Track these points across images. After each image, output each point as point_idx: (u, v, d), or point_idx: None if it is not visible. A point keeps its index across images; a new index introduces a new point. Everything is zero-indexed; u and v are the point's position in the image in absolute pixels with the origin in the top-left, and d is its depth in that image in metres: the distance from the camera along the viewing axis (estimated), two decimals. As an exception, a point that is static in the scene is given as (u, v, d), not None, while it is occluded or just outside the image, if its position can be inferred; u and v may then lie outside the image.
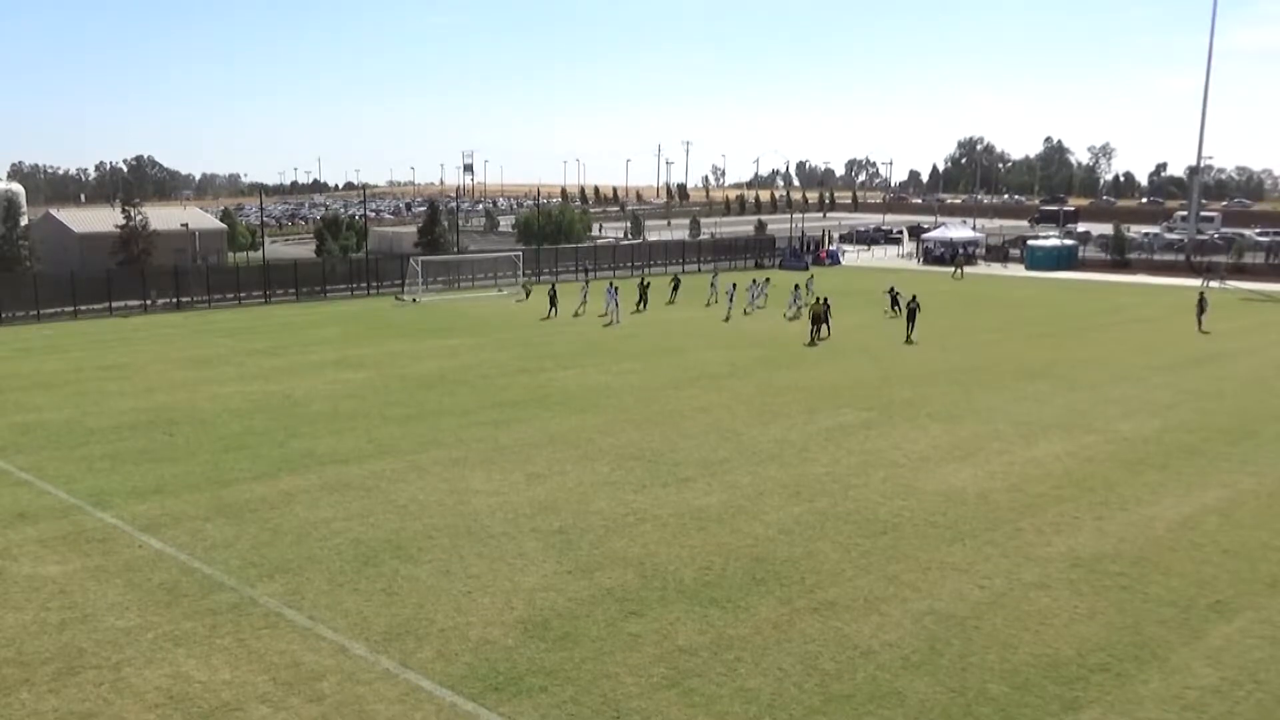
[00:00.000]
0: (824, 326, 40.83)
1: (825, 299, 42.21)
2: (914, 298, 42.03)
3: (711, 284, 55.75)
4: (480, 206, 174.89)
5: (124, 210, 68.71)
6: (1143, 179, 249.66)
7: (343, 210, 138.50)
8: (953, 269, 72.80)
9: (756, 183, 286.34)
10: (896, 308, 47.52)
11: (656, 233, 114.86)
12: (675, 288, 55.89)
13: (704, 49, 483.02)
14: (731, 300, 49.17)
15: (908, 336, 40.37)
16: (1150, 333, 43.89)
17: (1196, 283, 62.12)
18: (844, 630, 13.94)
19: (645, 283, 53.08)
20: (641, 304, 50.86)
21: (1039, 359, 36.14)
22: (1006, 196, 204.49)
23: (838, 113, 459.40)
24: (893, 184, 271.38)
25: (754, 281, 54.01)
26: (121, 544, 17.31)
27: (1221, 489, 20.59)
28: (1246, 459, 22.83)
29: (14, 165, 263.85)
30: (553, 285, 53.64)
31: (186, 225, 75.48)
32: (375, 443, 24.04)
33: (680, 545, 17.18)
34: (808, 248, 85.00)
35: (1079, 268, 77.93)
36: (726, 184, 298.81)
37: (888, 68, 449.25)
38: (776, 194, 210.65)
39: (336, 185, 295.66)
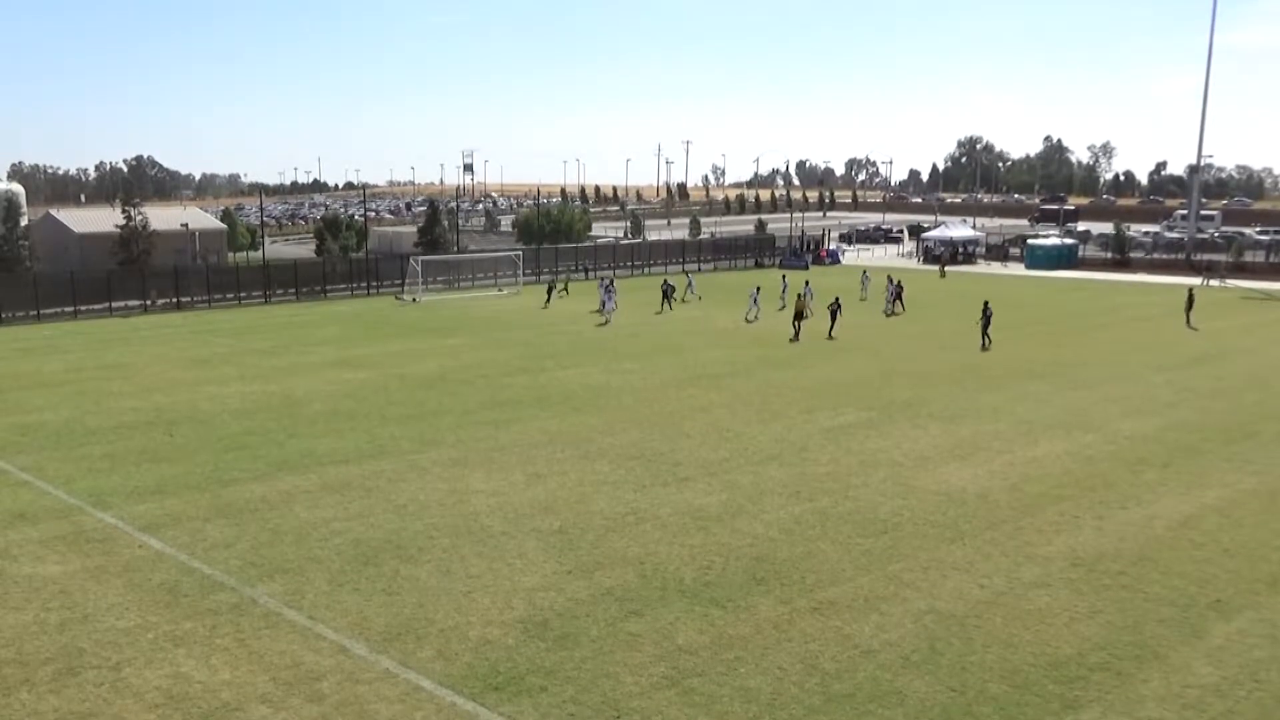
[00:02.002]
0: (832, 324, 41.50)
1: (838, 298, 42.66)
2: (986, 304, 39.82)
3: (688, 285, 55.88)
4: (480, 206, 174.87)
5: (124, 210, 68.74)
6: (1143, 178, 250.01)
7: (343, 210, 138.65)
8: (938, 267, 73.57)
9: (756, 182, 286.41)
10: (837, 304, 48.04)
11: (656, 232, 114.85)
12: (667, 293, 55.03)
13: (704, 49, 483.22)
14: (756, 303, 47.72)
15: (983, 344, 38.55)
16: (1150, 332, 43.91)
17: (1197, 281, 62.23)
18: (844, 629, 13.94)
19: (666, 284, 53.09)
20: (665, 304, 50.90)
21: (1039, 358, 36.13)
22: (1006, 195, 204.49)
23: (838, 112, 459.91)
24: (893, 183, 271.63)
25: (784, 277, 54.82)
26: (121, 544, 17.31)
27: (1222, 488, 20.59)
28: (1247, 458, 22.82)
29: (14, 165, 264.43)
30: (552, 281, 54.71)
31: (186, 225, 75.49)
32: (375, 443, 24.03)
33: (680, 545, 17.18)
34: (808, 247, 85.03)
35: (1079, 267, 77.94)
36: (726, 183, 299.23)
37: (888, 67, 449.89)
38: (776, 193, 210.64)
39: (336, 185, 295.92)
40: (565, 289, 59.05)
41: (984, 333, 38.96)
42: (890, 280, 51.55)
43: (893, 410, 27.50)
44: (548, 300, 54.38)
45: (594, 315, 48.33)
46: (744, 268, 78.26)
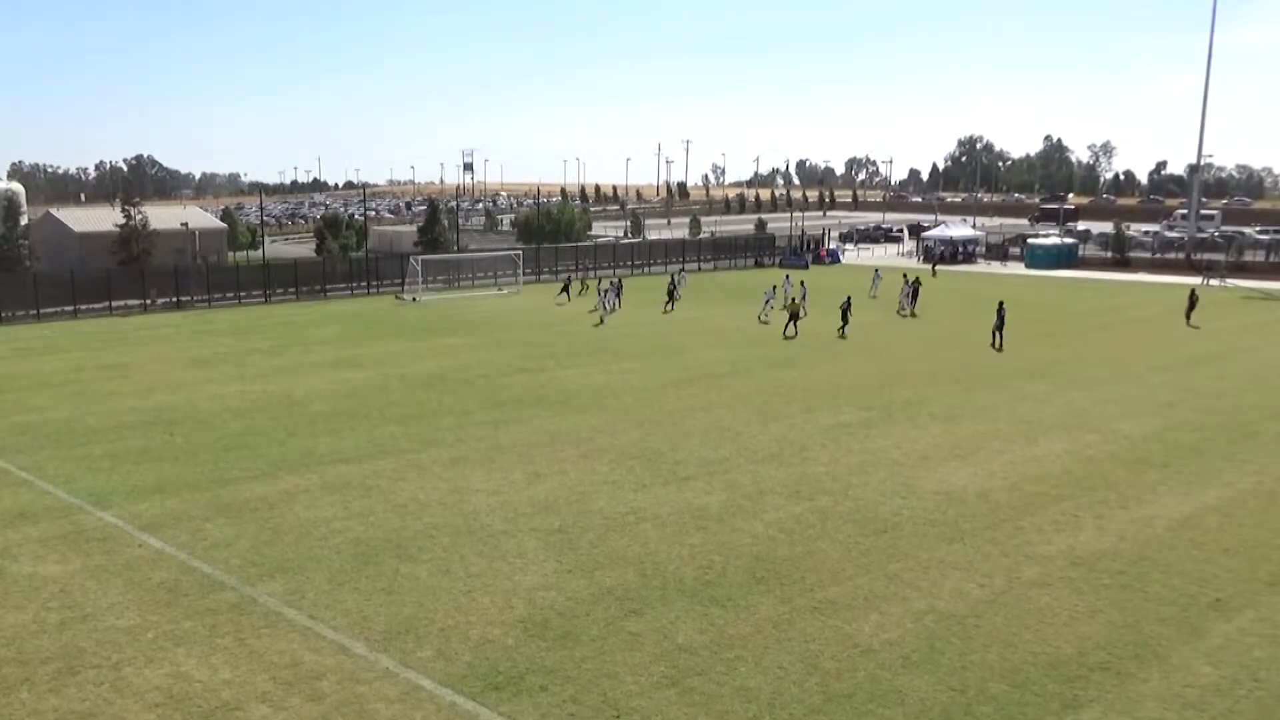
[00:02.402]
0: (842, 325, 41.82)
1: (849, 298, 43.13)
2: (1001, 304, 39.39)
3: (679, 281, 55.28)
4: (480, 205, 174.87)
5: (124, 210, 68.67)
6: (1143, 177, 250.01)
7: (343, 209, 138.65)
8: (930, 265, 73.62)
9: (756, 181, 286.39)
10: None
11: (656, 231, 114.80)
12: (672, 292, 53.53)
13: (704, 49, 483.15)
14: (769, 304, 47.61)
15: (995, 343, 38.29)
16: (1150, 331, 43.91)
17: (1197, 281, 62.26)
18: (844, 629, 13.94)
19: (673, 282, 53.29)
20: (669, 304, 51.01)
21: (1039, 358, 36.12)
22: (1007, 195, 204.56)
23: (838, 111, 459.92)
24: (893, 182, 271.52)
25: (787, 277, 54.33)
26: (122, 543, 17.31)
27: (1222, 488, 20.59)
28: (1247, 458, 22.82)
29: (14, 165, 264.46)
30: (570, 277, 59.52)
31: (186, 224, 75.40)
32: (375, 442, 24.03)
33: (680, 544, 17.18)
34: (807, 246, 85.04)
35: (1079, 266, 77.92)
36: (726, 182, 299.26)
37: (888, 66, 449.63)
38: (776, 192, 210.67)
39: (336, 184, 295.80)
40: (585, 286, 58.73)
41: (996, 333, 38.72)
42: (906, 279, 51.30)
43: (893, 410, 27.50)
44: (566, 295, 55.17)
45: (594, 315, 48.31)
46: (744, 267, 78.26)
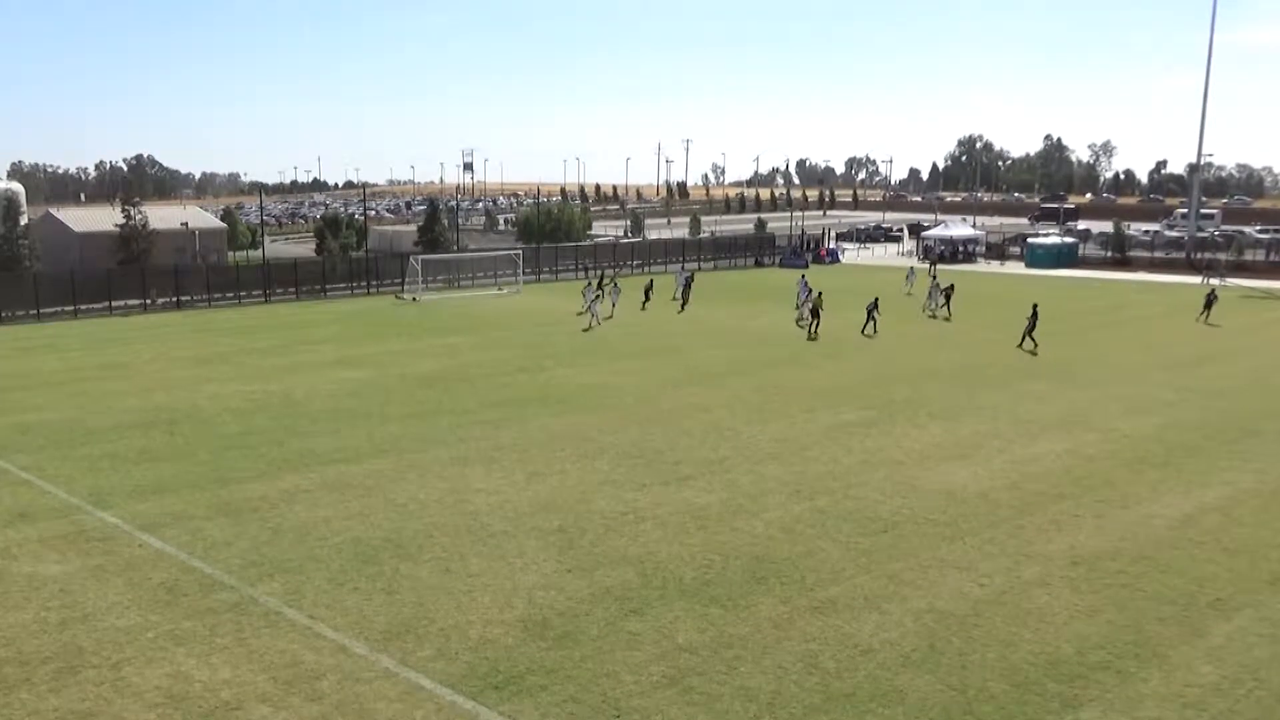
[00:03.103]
0: (869, 324, 41.85)
1: (876, 299, 42.96)
2: (1034, 307, 39.17)
3: (685, 284, 53.75)
4: (480, 205, 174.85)
5: (124, 209, 68.71)
6: (1143, 176, 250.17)
7: (342, 209, 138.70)
8: (929, 265, 73.48)
9: (756, 181, 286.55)
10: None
11: (656, 231, 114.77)
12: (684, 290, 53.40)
13: (704, 49, 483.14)
14: (800, 305, 46.94)
15: (1032, 347, 37.99)
16: (1151, 331, 43.91)
17: (1197, 280, 62.29)
18: (844, 628, 13.94)
19: (689, 278, 53.42)
20: (681, 304, 50.98)
21: (1039, 357, 36.12)
22: (1007, 194, 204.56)
23: (838, 111, 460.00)
24: (893, 182, 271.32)
25: (802, 277, 53.64)
26: (122, 543, 17.31)
27: (1222, 487, 20.58)
28: (1247, 457, 22.82)
29: (14, 165, 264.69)
30: (600, 277, 58.07)
31: (186, 224, 75.48)
32: (375, 442, 24.03)
33: (680, 544, 17.18)
34: (807, 246, 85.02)
35: (1079, 265, 77.91)
36: (726, 182, 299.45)
37: (888, 66, 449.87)
38: (776, 192, 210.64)
39: (336, 184, 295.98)
40: (616, 286, 56.88)
41: (1028, 335, 38.52)
42: (935, 281, 50.77)
43: (893, 409, 27.50)
44: (600, 293, 53.89)
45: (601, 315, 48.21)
46: (744, 267, 78.27)
